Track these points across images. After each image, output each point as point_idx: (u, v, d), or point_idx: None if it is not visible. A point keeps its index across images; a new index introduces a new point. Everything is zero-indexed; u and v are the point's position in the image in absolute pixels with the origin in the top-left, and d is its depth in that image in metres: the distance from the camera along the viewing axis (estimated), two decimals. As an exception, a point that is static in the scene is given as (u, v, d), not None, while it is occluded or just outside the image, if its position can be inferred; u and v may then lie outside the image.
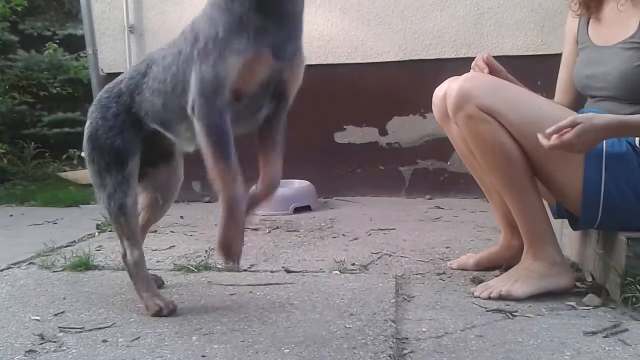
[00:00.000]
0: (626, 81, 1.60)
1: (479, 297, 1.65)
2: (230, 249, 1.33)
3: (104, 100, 1.61)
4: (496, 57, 1.82)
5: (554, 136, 1.47)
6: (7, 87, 5.79)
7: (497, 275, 1.79)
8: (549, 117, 1.60)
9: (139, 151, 1.58)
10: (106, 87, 1.66)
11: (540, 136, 1.50)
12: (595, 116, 1.48)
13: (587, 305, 1.57)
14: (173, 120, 1.51)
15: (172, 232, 2.73)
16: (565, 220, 1.82)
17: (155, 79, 1.50)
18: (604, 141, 1.58)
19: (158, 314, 1.53)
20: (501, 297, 1.62)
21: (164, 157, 1.71)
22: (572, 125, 1.45)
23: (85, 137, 1.63)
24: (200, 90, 1.33)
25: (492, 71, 1.78)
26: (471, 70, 1.80)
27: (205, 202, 3.67)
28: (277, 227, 2.77)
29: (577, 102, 1.83)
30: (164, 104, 1.50)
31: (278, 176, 1.50)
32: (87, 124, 1.63)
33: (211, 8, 1.36)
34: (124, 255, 1.60)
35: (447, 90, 1.72)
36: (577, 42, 1.84)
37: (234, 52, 1.30)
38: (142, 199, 1.76)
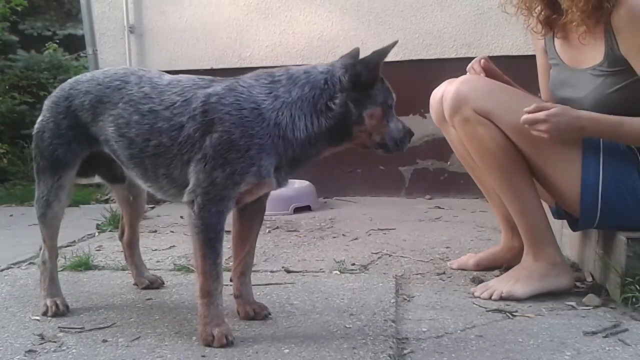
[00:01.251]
0: (603, 106, 1.59)
1: (479, 297, 1.65)
2: (214, 340, 1.31)
3: (61, 106, 1.54)
4: (496, 57, 1.83)
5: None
6: (7, 87, 5.78)
7: (497, 276, 1.79)
8: None
9: (77, 167, 1.56)
10: (63, 90, 1.57)
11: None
12: (571, 108, 1.52)
13: (587, 305, 1.57)
14: (142, 173, 1.47)
15: (172, 232, 2.73)
16: (565, 221, 1.82)
17: (128, 122, 1.43)
18: (601, 142, 1.58)
19: (54, 313, 1.55)
20: (502, 298, 1.62)
21: (108, 176, 1.69)
22: (544, 107, 1.51)
23: (34, 131, 1.59)
24: (206, 192, 1.33)
25: (490, 75, 1.78)
26: (467, 73, 1.80)
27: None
28: (277, 227, 2.77)
29: None
30: (131, 155, 1.45)
31: (252, 260, 1.58)
32: (39, 119, 1.58)
33: (246, 120, 1.34)
34: (40, 248, 1.64)
35: (443, 93, 1.72)
36: (547, 53, 1.81)
37: (254, 174, 1.34)
38: (115, 196, 1.80)
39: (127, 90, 1.46)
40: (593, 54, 1.61)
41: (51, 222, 1.59)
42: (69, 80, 1.61)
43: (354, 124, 1.39)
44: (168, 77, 1.49)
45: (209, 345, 1.31)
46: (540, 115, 1.50)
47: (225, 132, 1.33)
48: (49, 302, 1.57)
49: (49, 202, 1.56)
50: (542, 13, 1.68)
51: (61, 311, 1.55)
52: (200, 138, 1.35)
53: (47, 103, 1.59)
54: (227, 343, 1.31)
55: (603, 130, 1.55)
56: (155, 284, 1.80)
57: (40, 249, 1.64)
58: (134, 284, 1.82)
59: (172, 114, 1.39)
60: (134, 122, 1.42)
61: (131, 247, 1.83)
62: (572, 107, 1.58)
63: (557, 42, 1.74)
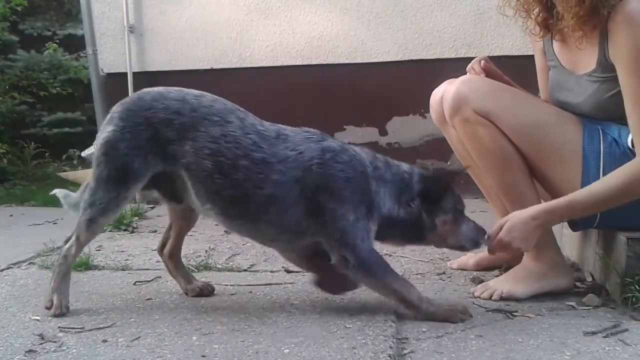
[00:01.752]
0: (601, 111, 1.60)
1: (479, 297, 1.65)
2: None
3: (141, 117, 1.51)
4: (496, 57, 1.83)
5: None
6: (7, 87, 5.78)
7: (497, 276, 1.80)
8: (546, 119, 1.60)
9: (146, 180, 1.53)
10: (143, 100, 1.54)
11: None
12: (523, 210, 1.54)
13: (587, 305, 1.57)
14: (222, 204, 1.50)
15: (172, 232, 2.73)
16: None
17: (234, 165, 1.46)
18: (601, 142, 1.57)
19: (58, 313, 1.53)
20: (502, 299, 1.62)
21: (171, 196, 1.64)
22: (500, 226, 1.54)
23: (101, 139, 1.54)
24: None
25: (490, 75, 1.78)
26: (467, 73, 1.80)
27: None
28: (277, 227, 2.76)
29: None
30: (220, 189, 1.47)
31: None
32: (110, 127, 1.53)
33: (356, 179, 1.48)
34: (65, 241, 1.60)
35: (443, 93, 1.71)
36: (545, 55, 1.81)
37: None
38: (169, 209, 1.73)
39: (230, 130, 1.48)
40: (588, 60, 1.60)
41: (96, 229, 1.58)
42: (149, 91, 1.57)
43: (427, 230, 1.55)
44: (272, 127, 1.54)
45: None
46: (496, 244, 1.55)
47: (338, 188, 1.46)
48: (56, 299, 1.55)
49: (106, 211, 1.53)
50: (540, 15, 1.67)
51: (62, 312, 1.54)
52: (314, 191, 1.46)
53: (119, 111, 1.55)
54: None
55: (561, 214, 1.56)
56: (205, 291, 1.73)
57: (66, 244, 1.58)
58: (184, 293, 1.75)
59: (286, 168, 1.47)
60: (242, 167, 1.46)
61: (174, 259, 1.76)
62: (570, 113, 1.60)
63: (556, 45, 1.73)
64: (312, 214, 1.47)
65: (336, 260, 1.47)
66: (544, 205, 1.57)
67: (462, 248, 1.61)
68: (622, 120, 1.54)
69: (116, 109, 1.57)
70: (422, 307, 1.47)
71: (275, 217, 1.49)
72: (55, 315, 1.53)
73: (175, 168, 1.52)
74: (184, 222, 1.74)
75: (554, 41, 1.74)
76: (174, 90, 1.57)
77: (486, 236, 1.57)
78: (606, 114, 1.57)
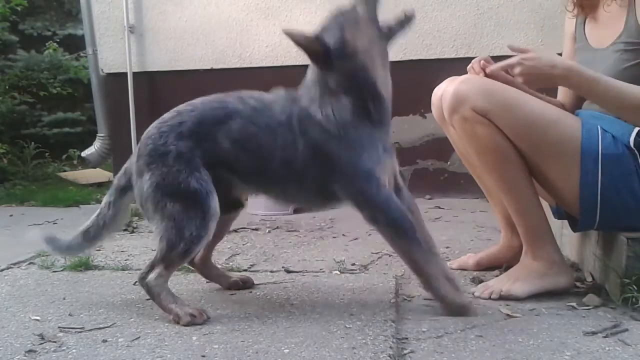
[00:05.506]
0: None
1: (479, 297, 1.65)
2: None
3: (161, 148, 1.50)
4: (496, 57, 1.82)
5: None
6: (7, 87, 5.79)
7: (497, 275, 1.79)
8: (544, 118, 1.61)
9: (215, 193, 1.50)
10: (156, 132, 1.53)
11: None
12: (550, 53, 1.59)
13: (587, 305, 1.57)
14: (270, 183, 1.54)
15: (172, 232, 2.73)
16: (565, 221, 1.82)
17: (249, 136, 1.49)
18: (600, 143, 1.57)
19: (192, 322, 1.45)
20: (501, 297, 1.62)
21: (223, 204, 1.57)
22: (522, 49, 1.58)
23: (150, 188, 1.49)
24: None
25: (490, 75, 1.78)
26: (467, 73, 1.80)
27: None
28: (277, 227, 2.77)
29: (579, 101, 1.83)
30: (259, 167, 1.51)
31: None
32: (148, 175, 1.50)
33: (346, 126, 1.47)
34: (144, 277, 1.51)
35: (443, 92, 1.72)
36: (575, 40, 1.85)
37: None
38: None
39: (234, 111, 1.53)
40: (616, 29, 1.67)
41: (191, 255, 1.56)
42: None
43: None
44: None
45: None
46: (513, 60, 1.57)
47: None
48: (192, 310, 1.48)
49: (200, 237, 1.47)
50: None
51: (207, 316, 1.49)
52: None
53: (145, 157, 1.53)
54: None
55: (579, 84, 1.59)
56: (248, 283, 1.79)
57: (152, 271, 1.50)
58: (227, 289, 1.77)
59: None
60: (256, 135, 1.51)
61: (207, 266, 1.79)
62: (569, 112, 1.61)
63: (588, 25, 1.81)
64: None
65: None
66: (571, 63, 1.60)
67: None
68: None
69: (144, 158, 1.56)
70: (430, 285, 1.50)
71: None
72: (194, 324, 1.45)
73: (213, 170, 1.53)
74: (219, 231, 1.66)
75: (586, 21, 1.82)
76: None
77: (514, 46, 1.59)
78: None
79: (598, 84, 1.56)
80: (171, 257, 1.49)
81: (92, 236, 1.70)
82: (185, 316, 1.46)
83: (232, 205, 1.67)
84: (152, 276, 1.50)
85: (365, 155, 1.47)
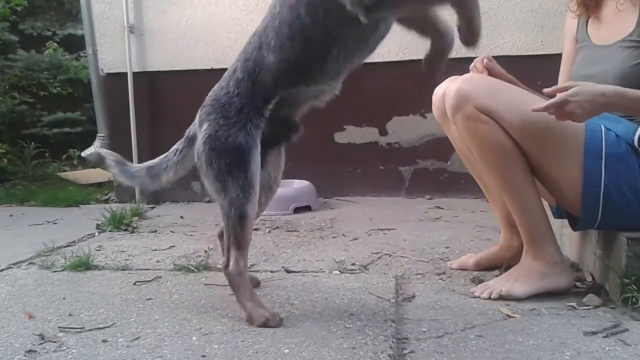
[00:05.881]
0: (625, 80, 1.60)
1: (479, 297, 1.65)
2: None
3: (223, 98, 1.52)
4: (496, 57, 1.83)
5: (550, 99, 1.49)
6: (7, 87, 5.79)
7: (497, 275, 1.79)
8: (547, 117, 1.60)
9: (259, 147, 1.50)
10: (219, 85, 1.58)
11: (536, 105, 1.51)
12: (593, 84, 1.51)
13: (587, 305, 1.57)
14: (315, 61, 1.45)
15: (172, 232, 2.73)
16: (565, 220, 1.82)
17: (281, 33, 1.47)
18: (603, 141, 1.57)
19: (265, 324, 1.43)
20: (501, 297, 1.62)
21: (284, 133, 1.61)
22: (566, 87, 1.49)
23: (202, 139, 1.51)
24: None
25: (493, 74, 1.78)
26: (470, 72, 1.81)
27: (205, 202, 3.67)
28: (277, 227, 2.77)
29: None
30: (303, 49, 1.44)
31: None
32: (205, 126, 1.51)
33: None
34: (226, 266, 1.51)
35: (445, 90, 1.72)
36: (577, 41, 1.85)
37: None
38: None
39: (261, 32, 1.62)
40: (626, 25, 1.68)
41: (251, 220, 1.50)
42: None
43: None
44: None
45: None
46: (557, 100, 1.48)
47: None
48: (266, 313, 1.46)
49: (247, 198, 1.46)
50: None
51: (280, 319, 1.46)
52: None
53: (206, 107, 1.55)
54: None
55: (628, 105, 1.52)
56: (252, 282, 1.72)
57: (230, 258, 1.49)
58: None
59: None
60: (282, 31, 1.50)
61: None
62: (593, 83, 1.56)
63: (590, 25, 1.81)
64: None
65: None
66: (615, 87, 1.53)
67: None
68: None
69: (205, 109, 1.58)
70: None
71: None
72: (267, 326, 1.43)
73: (272, 102, 1.53)
74: (264, 195, 1.67)
75: (589, 22, 1.81)
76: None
77: (549, 89, 1.51)
78: (630, 83, 1.57)
79: None
80: (235, 231, 1.47)
81: (152, 174, 1.71)
82: (259, 317, 1.45)
83: (292, 131, 1.62)
84: (231, 264, 1.49)
85: None
